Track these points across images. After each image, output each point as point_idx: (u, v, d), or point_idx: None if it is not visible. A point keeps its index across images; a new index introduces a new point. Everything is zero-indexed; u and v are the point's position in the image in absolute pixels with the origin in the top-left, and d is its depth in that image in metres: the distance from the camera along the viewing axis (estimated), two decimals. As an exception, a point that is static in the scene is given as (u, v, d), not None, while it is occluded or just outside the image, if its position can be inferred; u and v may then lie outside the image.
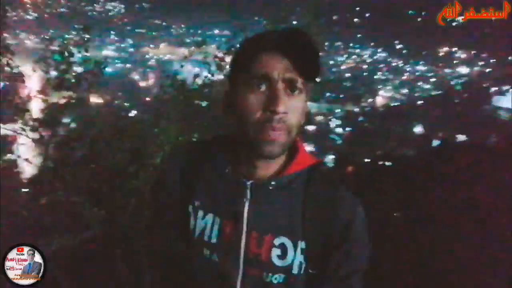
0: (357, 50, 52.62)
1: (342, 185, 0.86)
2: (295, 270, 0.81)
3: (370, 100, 36.21)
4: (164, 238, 0.95)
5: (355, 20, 60.37)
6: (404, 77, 44.93)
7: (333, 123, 26.89)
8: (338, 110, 29.79)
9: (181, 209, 0.88)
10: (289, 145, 0.80)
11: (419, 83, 42.30)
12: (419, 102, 33.64)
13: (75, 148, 3.94)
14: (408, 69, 47.43)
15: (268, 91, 0.75)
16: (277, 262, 0.81)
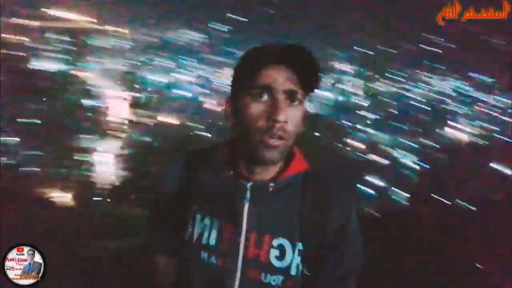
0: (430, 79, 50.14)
1: (337, 189, 0.91)
2: (293, 271, 0.86)
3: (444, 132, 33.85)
4: (164, 243, 0.98)
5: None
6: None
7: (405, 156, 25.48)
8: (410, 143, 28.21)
9: (180, 214, 0.92)
10: (287, 152, 0.85)
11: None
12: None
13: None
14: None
15: (270, 101, 0.82)
16: (276, 263, 0.86)
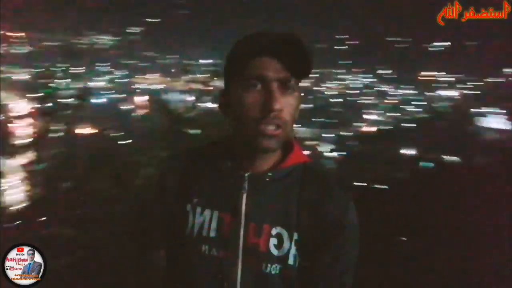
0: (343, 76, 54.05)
1: (336, 182, 0.91)
2: (290, 261, 0.85)
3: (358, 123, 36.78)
4: (164, 239, 0.98)
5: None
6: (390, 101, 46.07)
7: (324, 147, 27.13)
8: (327, 135, 30.10)
9: (180, 209, 0.92)
10: (284, 140, 0.85)
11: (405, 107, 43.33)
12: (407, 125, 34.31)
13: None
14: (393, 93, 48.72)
15: (264, 91, 0.81)
16: (274, 251, 0.86)
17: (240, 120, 0.84)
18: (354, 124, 36.14)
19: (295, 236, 0.86)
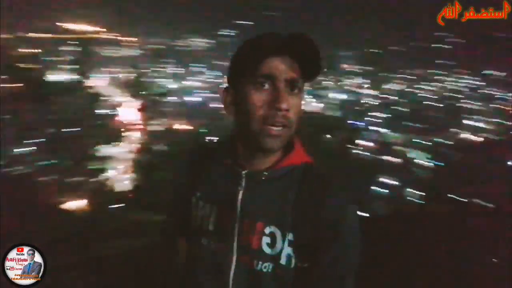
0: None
1: (336, 185, 0.88)
2: (283, 261, 0.84)
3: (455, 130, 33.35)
4: (178, 228, 1.01)
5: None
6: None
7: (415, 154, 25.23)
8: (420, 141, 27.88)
9: (187, 202, 0.95)
10: (287, 140, 0.85)
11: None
12: None
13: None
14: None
15: (272, 90, 0.81)
16: (267, 250, 0.85)
17: (246, 119, 0.83)
18: (452, 130, 32.90)
19: (290, 236, 0.85)
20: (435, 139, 29.28)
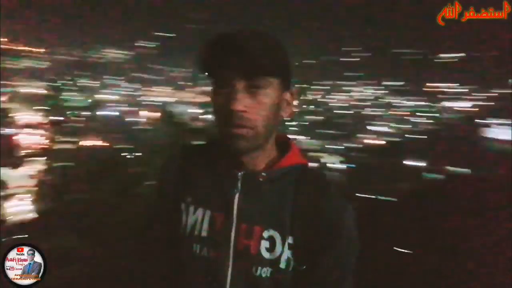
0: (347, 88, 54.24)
1: (333, 189, 0.87)
2: (282, 265, 0.81)
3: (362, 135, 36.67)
4: (159, 239, 0.97)
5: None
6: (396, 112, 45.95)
7: (327, 159, 27.20)
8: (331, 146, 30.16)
9: (175, 208, 0.90)
10: (260, 140, 0.81)
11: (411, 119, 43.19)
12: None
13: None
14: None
15: (229, 91, 0.78)
16: (266, 254, 0.82)
17: (215, 120, 0.83)
18: (359, 135, 36.02)
19: (289, 239, 0.82)
20: (345, 144, 31.97)
